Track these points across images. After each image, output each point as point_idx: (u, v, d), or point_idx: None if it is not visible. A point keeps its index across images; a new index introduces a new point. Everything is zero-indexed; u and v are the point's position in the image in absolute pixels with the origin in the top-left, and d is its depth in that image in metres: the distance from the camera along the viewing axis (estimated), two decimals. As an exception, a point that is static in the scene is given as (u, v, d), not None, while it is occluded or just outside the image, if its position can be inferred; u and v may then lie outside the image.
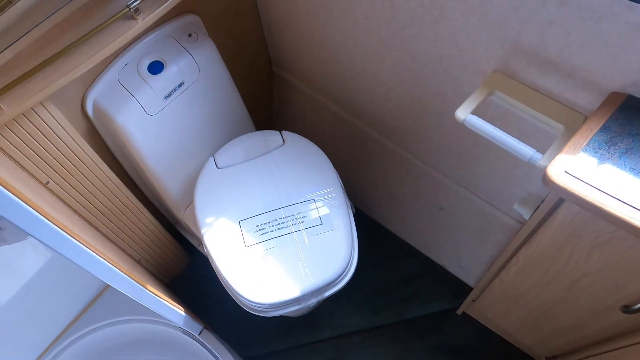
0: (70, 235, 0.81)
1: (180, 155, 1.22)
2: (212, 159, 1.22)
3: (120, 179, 1.19)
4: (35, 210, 0.74)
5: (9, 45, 0.93)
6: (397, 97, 1.18)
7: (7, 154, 0.94)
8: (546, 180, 0.72)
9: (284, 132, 1.24)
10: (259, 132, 1.24)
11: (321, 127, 1.50)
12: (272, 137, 1.23)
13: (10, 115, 0.89)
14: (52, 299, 1.37)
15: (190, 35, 1.14)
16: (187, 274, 1.62)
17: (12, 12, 0.91)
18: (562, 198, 0.81)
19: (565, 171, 0.72)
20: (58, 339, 1.42)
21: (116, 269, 0.94)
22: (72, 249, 0.82)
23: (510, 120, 0.96)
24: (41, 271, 1.28)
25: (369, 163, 1.48)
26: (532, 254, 1.01)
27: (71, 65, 0.92)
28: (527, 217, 0.95)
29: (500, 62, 0.90)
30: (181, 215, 1.34)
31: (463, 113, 0.86)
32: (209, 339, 1.40)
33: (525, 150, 0.83)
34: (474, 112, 0.86)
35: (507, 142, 0.84)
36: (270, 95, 1.61)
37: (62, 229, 0.79)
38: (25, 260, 1.25)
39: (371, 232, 1.63)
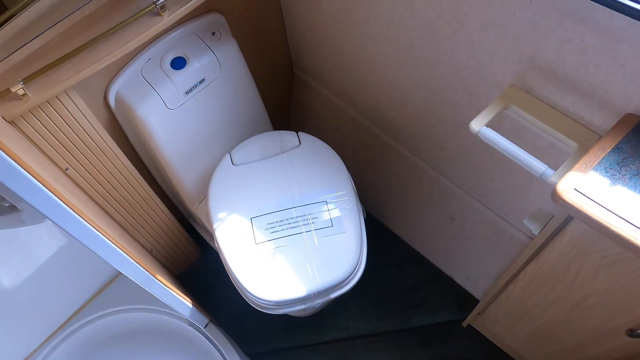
0: (85, 221, 0.84)
1: (197, 150, 1.25)
2: (228, 155, 1.24)
3: (137, 170, 1.22)
4: (54, 194, 0.76)
5: (38, 35, 0.96)
6: (413, 105, 1.19)
7: (30, 139, 0.97)
8: (555, 197, 0.72)
9: (301, 133, 1.25)
10: (276, 132, 1.26)
11: (338, 130, 1.51)
12: (288, 137, 1.25)
13: (35, 102, 0.92)
14: (62, 284, 1.41)
15: (213, 33, 1.16)
16: (197, 267, 1.65)
17: (43, 3, 0.95)
18: (571, 215, 0.81)
19: (575, 189, 0.72)
20: (66, 323, 1.46)
21: (128, 257, 0.97)
22: (86, 234, 0.85)
23: (524, 135, 0.96)
24: (54, 256, 1.32)
25: (384, 169, 1.49)
26: (540, 270, 1.01)
27: (97, 57, 0.95)
28: (536, 232, 0.94)
29: (517, 76, 0.90)
30: (195, 209, 1.36)
31: (478, 125, 0.86)
32: (214, 332, 1.42)
33: (538, 165, 0.83)
34: (488, 125, 0.87)
35: (519, 157, 0.84)
36: (290, 96, 1.63)
37: (78, 214, 0.81)
38: (40, 245, 1.29)
39: (381, 237, 1.64)
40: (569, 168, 0.80)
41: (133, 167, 1.20)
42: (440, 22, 0.94)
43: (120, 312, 1.48)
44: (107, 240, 0.90)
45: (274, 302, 1.08)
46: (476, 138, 1.11)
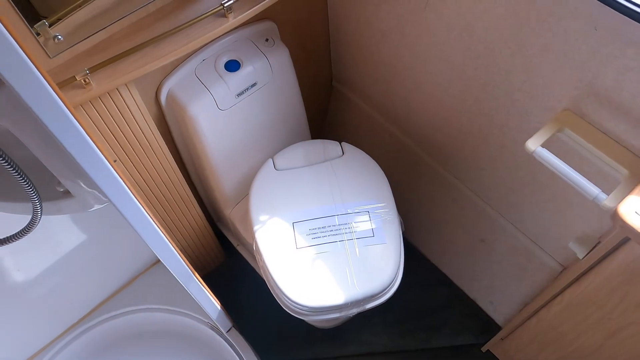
0: (143, 207, 0.85)
1: (239, 153, 1.26)
2: (270, 160, 1.25)
3: (178, 168, 1.24)
4: (122, 180, 0.77)
5: (104, 27, 0.99)
6: (458, 125, 1.21)
7: (84, 128, 0.99)
8: (616, 219, 0.73)
9: (343, 144, 1.27)
10: (319, 141, 1.28)
11: (373, 144, 1.53)
12: (331, 146, 1.27)
13: (97, 92, 0.94)
14: (85, 277, 1.41)
15: (267, 40, 1.19)
16: (221, 272, 1.65)
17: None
18: (624, 240, 0.82)
19: (636, 212, 0.73)
20: (84, 318, 1.45)
21: (174, 250, 0.97)
22: (143, 222, 0.86)
23: (572, 159, 0.97)
24: (79, 248, 1.31)
25: (417, 186, 1.50)
26: (579, 295, 1.01)
27: (161, 53, 0.98)
28: (581, 256, 0.95)
29: (572, 101, 0.92)
30: (229, 212, 1.37)
31: (534, 144, 0.88)
32: (236, 338, 1.41)
33: (591, 189, 0.84)
34: (543, 146, 0.88)
35: (574, 179, 0.86)
36: (326, 107, 1.65)
37: (139, 202, 0.82)
38: (67, 235, 1.29)
39: (407, 255, 1.63)
40: (624, 193, 0.81)
41: (175, 164, 1.22)
42: (499, 43, 0.96)
43: (140, 311, 1.48)
44: (160, 231, 0.90)
45: (310, 307, 1.08)
46: (520, 160, 1.13)
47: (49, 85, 0.63)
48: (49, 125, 0.67)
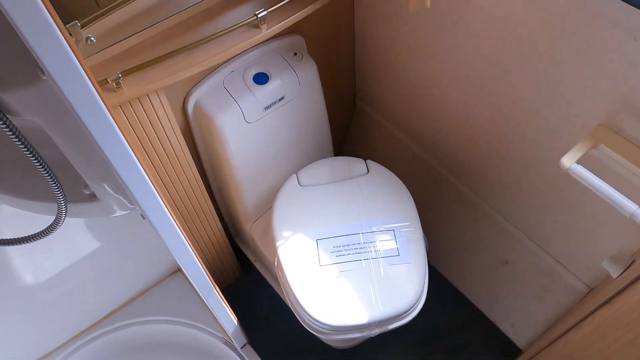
0: (171, 215, 0.83)
1: (263, 167, 1.25)
2: (294, 175, 1.25)
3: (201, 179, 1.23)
4: (154, 186, 0.76)
5: (137, 32, 0.99)
6: (485, 143, 1.20)
7: (122, 132, 0.98)
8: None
9: (368, 161, 1.26)
10: (344, 158, 1.27)
11: (394, 162, 1.52)
12: (356, 164, 1.26)
13: (128, 96, 0.94)
14: (99, 284, 1.38)
15: (295, 54, 1.19)
16: (236, 287, 1.62)
17: (140, 3, 0.98)
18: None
19: (681, 228, 0.71)
20: (94, 326, 1.43)
21: (197, 260, 0.96)
22: (169, 229, 0.84)
23: (608, 175, 0.96)
24: (96, 253, 1.29)
25: (438, 205, 1.48)
26: (611, 316, 0.98)
27: (194, 61, 0.98)
28: (615, 275, 0.93)
29: (607, 116, 0.91)
30: (249, 227, 1.35)
31: (569, 161, 0.87)
32: (251, 354, 1.38)
33: (629, 205, 0.83)
34: (577, 162, 0.87)
35: (611, 196, 0.84)
36: (348, 124, 1.65)
37: (167, 207, 0.81)
38: (84, 239, 1.27)
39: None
40: (663, 210, 0.80)
41: (199, 175, 1.21)
42: (532, 59, 0.96)
43: (152, 322, 1.45)
44: (186, 242, 0.89)
45: (332, 326, 1.05)
46: (547, 177, 1.12)
47: (91, 83, 0.62)
48: (88, 124, 0.66)
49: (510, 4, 0.94)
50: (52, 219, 0.86)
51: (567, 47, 0.90)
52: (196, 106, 1.13)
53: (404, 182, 1.24)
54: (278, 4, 1.02)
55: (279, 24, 1.02)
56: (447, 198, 1.44)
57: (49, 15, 0.51)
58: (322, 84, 1.28)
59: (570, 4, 0.84)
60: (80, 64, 0.60)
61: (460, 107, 1.20)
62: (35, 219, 0.93)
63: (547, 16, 0.89)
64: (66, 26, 0.87)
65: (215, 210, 1.39)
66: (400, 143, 1.48)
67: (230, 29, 0.99)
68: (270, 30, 1.02)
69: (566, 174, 0.88)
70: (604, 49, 0.84)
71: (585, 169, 0.87)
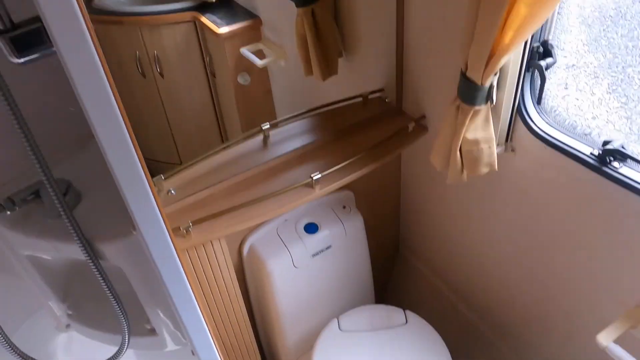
0: (217, 350, 0.90)
1: (306, 309, 1.32)
2: (336, 320, 1.30)
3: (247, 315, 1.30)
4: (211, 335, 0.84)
5: (207, 187, 1.14)
6: (522, 306, 1.22)
7: (188, 276, 1.09)
8: None
9: (407, 312, 1.30)
10: (384, 306, 1.32)
11: (432, 311, 1.54)
12: (395, 313, 1.30)
13: (195, 242, 1.06)
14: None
15: (344, 207, 1.31)
16: None
17: (212, 161, 1.14)
18: None
19: None
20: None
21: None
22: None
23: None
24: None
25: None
26: None
27: (254, 214, 1.10)
28: None
29: (644, 298, 0.93)
30: (288, 365, 1.38)
31: (605, 340, 0.88)
32: None
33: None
34: (615, 342, 0.88)
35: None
36: (391, 271, 1.71)
37: (214, 343, 0.88)
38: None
39: None
40: None
41: (246, 312, 1.28)
42: (562, 236, 1.02)
43: None
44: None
45: None
46: (589, 352, 1.10)
47: (168, 234, 0.74)
48: (161, 269, 0.77)
49: (540, 184, 1.02)
50: (114, 349, 0.95)
51: (596, 230, 0.95)
52: (251, 249, 1.24)
53: (441, 333, 1.25)
54: (332, 167, 1.16)
55: (332, 185, 1.15)
56: (481, 353, 1.42)
57: (145, 181, 0.64)
58: (367, 233, 1.37)
59: (597, 193, 0.91)
60: (162, 218, 0.72)
61: (496, 267, 1.25)
62: (98, 347, 1.02)
63: (577, 200, 0.96)
64: (153, 179, 1.03)
65: (258, 347, 1.43)
66: (442, 295, 1.51)
67: (288, 188, 1.12)
68: (322, 190, 1.14)
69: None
70: (630, 235, 0.89)
71: (622, 350, 0.87)
